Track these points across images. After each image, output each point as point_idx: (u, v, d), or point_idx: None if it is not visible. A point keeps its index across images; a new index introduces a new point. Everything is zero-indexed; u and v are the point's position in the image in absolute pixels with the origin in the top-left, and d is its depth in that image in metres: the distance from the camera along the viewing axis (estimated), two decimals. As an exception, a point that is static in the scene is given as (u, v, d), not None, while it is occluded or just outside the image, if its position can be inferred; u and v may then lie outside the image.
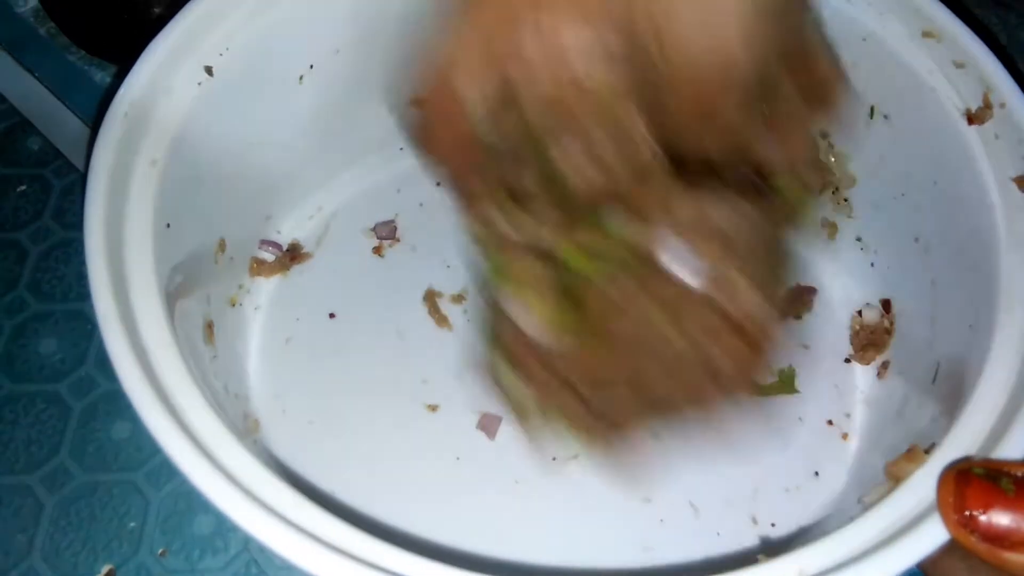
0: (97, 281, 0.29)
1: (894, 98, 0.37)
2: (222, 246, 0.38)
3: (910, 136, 0.37)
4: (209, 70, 0.35)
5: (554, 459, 0.37)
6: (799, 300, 0.41)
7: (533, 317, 0.29)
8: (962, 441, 0.27)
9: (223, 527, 0.37)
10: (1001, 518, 0.22)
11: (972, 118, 0.33)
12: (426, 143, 0.29)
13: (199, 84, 0.34)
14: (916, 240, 0.38)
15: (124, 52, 0.34)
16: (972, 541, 0.23)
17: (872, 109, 0.38)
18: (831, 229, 0.42)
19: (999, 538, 0.22)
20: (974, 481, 0.23)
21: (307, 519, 0.26)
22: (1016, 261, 0.31)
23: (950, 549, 0.27)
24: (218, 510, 0.25)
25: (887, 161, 0.39)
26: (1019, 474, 0.23)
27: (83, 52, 0.49)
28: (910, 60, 0.35)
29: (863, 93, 0.38)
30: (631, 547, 0.35)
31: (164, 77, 0.33)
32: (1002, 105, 0.33)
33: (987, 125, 0.33)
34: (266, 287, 0.41)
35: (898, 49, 0.35)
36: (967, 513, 0.23)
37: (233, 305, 0.40)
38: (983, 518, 0.23)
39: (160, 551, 0.36)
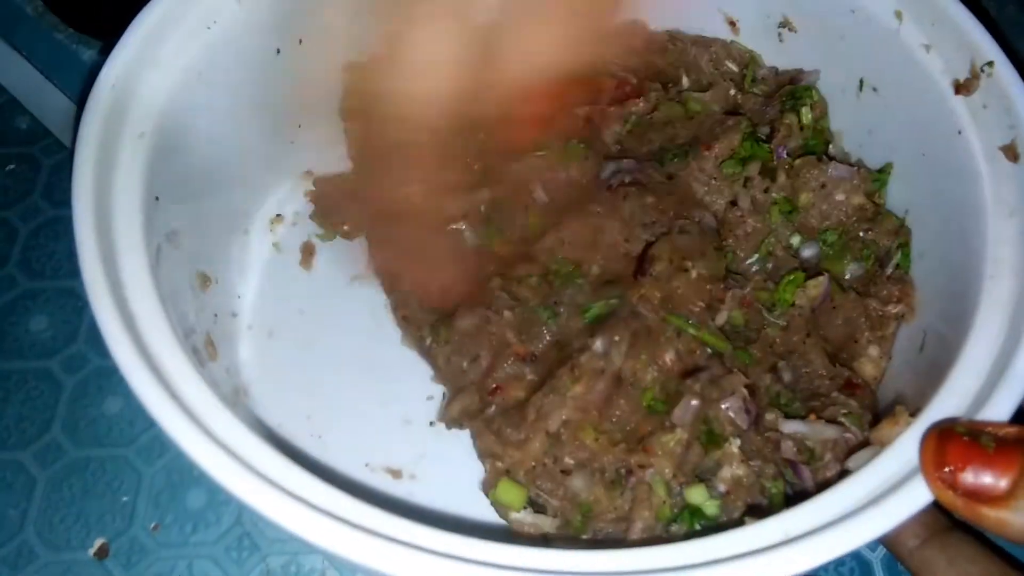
0: (85, 253, 0.29)
1: (882, 70, 0.37)
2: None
3: (899, 108, 0.37)
4: (196, 44, 0.34)
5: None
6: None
7: None
8: (947, 405, 0.27)
9: (215, 500, 0.37)
10: (979, 474, 0.23)
11: (960, 88, 0.34)
12: None
13: (186, 58, 0.34)
14: (906, 212, 0.38)
15: (112, 29, 0.34)
16: (951, 497, 0.23)
17: (861, 82, 0.38)
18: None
19: (977, 493, 0.23)
20: (955, 439, 0.24)
21: (299, 486, 0.26)
22: (1002, 230, 0.31)
23: (929, 541, 0.28)
24: (210, 479, 0.26)
25: (876, 134, 0.39)
26: (1000, 433, 0.24)
27: (71, 30, 0.49)
28: (898, 31, 0.35)
29: (852, 66, 0.38)
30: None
31: (151, 51, 0.33)
32: (989, 75, 0.33)
33: (975, 95, 0.33)
34: (257, 263, 0.41)
35: (885, 20, 0.35)
36: (947, 469, 0.23)
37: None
38: (962, 474, 0.23)
39: (153, 525, 0.37)
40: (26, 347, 0.41)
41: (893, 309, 0.36)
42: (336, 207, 0.40)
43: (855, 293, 0.37)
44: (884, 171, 0.38)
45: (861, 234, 0.38)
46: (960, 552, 0.28)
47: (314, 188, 0.42)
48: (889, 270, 0.37)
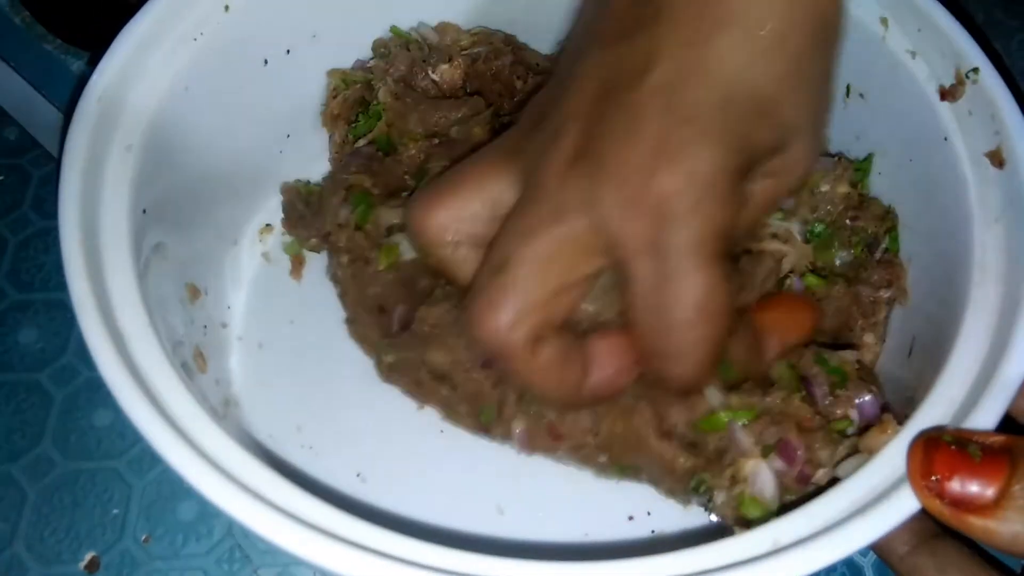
0: (72, 266, 0.29)
1: (869, 76, 0.37)
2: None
3: (885, 114, 0.37)
4: (184, 55, 0.34)
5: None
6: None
7: None
8: (934, 413, 0.27)
9: (206, 513, 0.37)
10: (966, 483, 0.23)
11: (945, 95, 0.34)
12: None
13: (174, 69, 0.34)
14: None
15: (100, 40, 0.33)
16: (938, 506, 0.23)
17: (848, 88, 0.38)
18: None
19: (964, 502, 0.23)
20: (942, 448, 0.24)
21: (288, 500, 0.26)
22: (988, 236, 0.31)
23: (919, 547, 0.28)
24: (199, 494, 0.25)
25: (863, 140, 0.39)
26: (987, 442, 0.24)
27: (59, 41, 0.49)
28: (884, 38, 0.35)
29: (839, 72, 0.38)
30: (612, 517, 0.36)
31: (138, 62, 0.33)
32: (975, 82, 0.33)
33: (961, 102, 0.33)
34: (247, 273, 0.41)
35: (871, 27, 0.36)
36: (934, 478, 0.23)
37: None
38: (949, 483, 0.23)
39: (144, 537, 0.37)
40: (16, 359, 0.41)
41: (884, 294, 0.37)
42: (303, 218, 0.40)
43: (845, 280, 0.37)
44: (866, 160, 0.39)
45: (848, 222, 0.38)
46: (949, 559, 0.28)
47: (282, 196, 0.41)
48: (878, 255, 0.37)
